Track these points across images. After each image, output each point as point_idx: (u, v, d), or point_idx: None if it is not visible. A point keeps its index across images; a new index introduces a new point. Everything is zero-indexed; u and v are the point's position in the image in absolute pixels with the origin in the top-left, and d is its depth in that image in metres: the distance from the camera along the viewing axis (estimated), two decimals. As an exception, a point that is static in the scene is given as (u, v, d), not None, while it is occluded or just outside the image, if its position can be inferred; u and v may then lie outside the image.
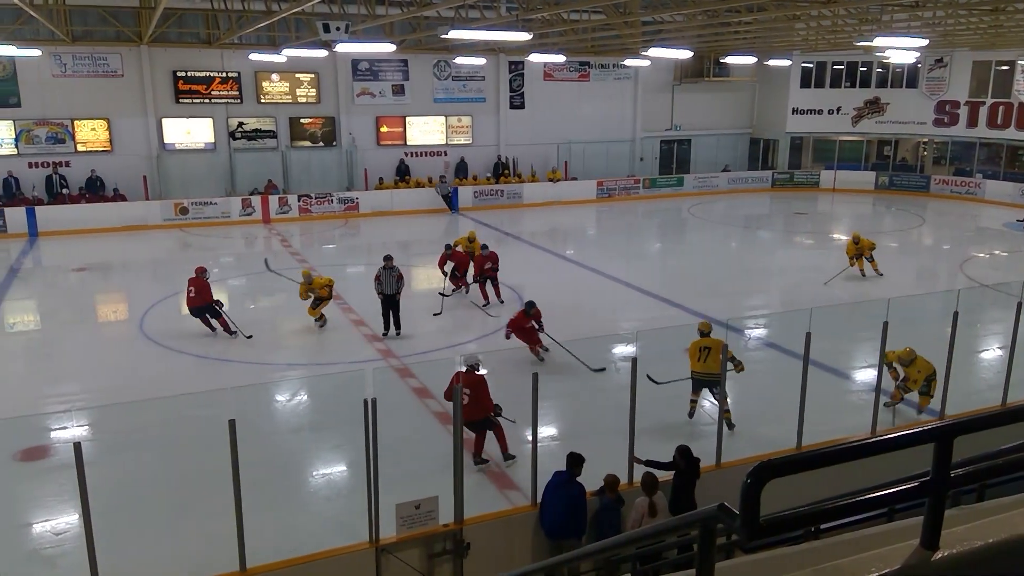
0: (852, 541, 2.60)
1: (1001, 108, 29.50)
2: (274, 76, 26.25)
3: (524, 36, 16.92)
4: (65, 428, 10.24)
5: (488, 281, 15.56)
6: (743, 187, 32.94)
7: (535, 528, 7.15)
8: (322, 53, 23.02)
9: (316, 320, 13.86)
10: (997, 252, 21.75)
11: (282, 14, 17.43)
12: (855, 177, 32.72)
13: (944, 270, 20.45)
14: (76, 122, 24.28)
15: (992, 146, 30.34)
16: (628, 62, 29.62)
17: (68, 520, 7.92)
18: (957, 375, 9.04)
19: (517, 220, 26.61)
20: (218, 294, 14.75)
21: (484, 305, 15.39)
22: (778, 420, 8.76)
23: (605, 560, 6.70)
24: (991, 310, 15.80)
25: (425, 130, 28.90)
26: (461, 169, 29.29)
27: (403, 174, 28.32)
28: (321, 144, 27.40)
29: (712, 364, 9.39)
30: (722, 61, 30.97)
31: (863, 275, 17.40)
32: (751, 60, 28.88)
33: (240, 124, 26.18)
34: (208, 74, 25.39)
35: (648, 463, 7.35)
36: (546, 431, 9.73)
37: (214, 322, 13.46)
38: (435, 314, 14.87)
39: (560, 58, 26.72)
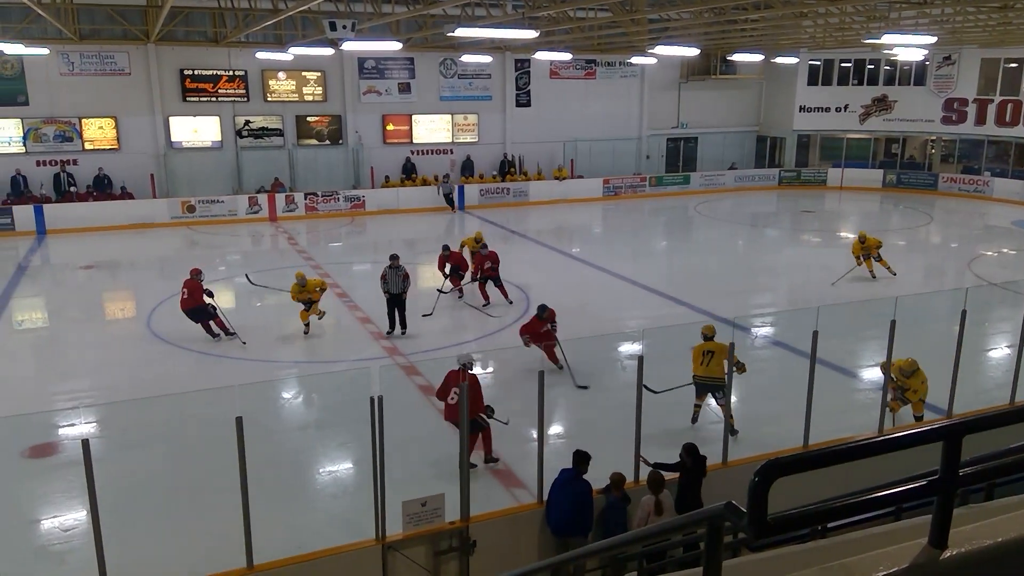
0: (859, 540, 2.60)
1: (1010, 106, 29.35)
2: (280, 74, 26.29)
3: (530, 34, 16.93)
4: (73, 425, 10.29)
5: (489, 281, 15.29)
6: (750, 185, 32.86)
7: (541, 526, 7.15)
8: (328, 51, 23.06)
9: (304, 324, 13.57)
10: (1005, 250, 21.65)
11: (288, 12, 17.45)
12: (862, 175, 32.60)
13: (952, 268, 20.37)
14: (84, 120, 24.36)
15: (1000, 144, 30.18)
16: (634, 60, 29.55)
17: (76, 516, 7.96)
18: (965, 374, 9.00)
19: (523, 218, 26.61)
20: (225, 292, 14.83)
21: (484, 305, 15.22)
22: (784, 419, 8.75)
23: (611, 558, 6.70)
24: (999, 308, 15.74)
25: (431, 128, 28.91)
26: (467, 167, 29.30)
27: (409, 172, 28.35)
28: (327, 142, 27.43)
29: (715, 368, 9.35)
30: (729, 59, 30.94)
31: (873, 277, 17.01)
32: (758, 58, 28.84)
33: (247, 122, 26.24)
34: (215, 72, 25.44)
35: (656, 465, 7.33)
36: (552, 429, 9.73)
37: (213, 325, 13.29)
38: (425, 315, 14.49)
39: (566, 56, 26.69)
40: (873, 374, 11.39)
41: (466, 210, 27.52)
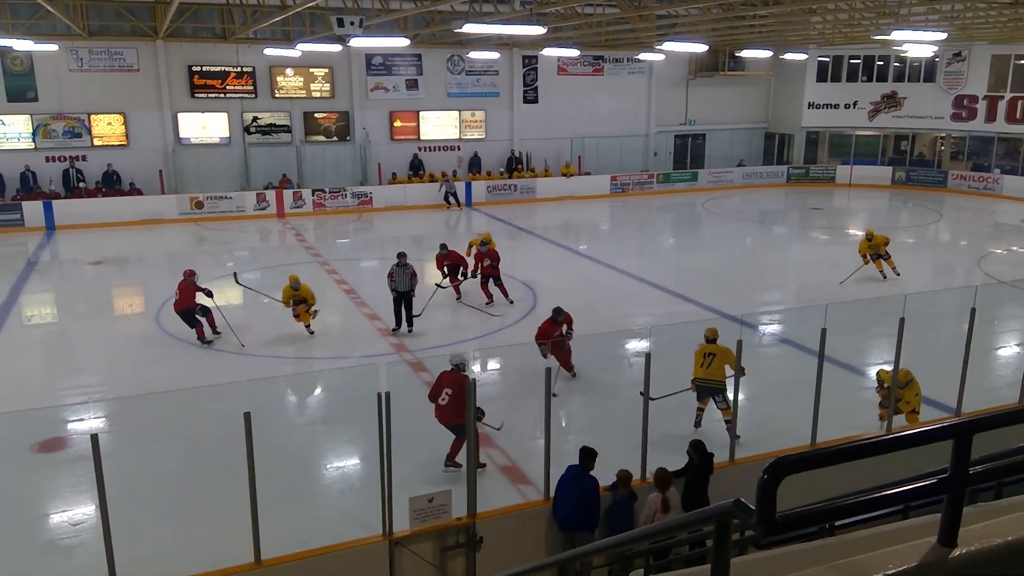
0: (867, 538, 2.59)
1: (1020, 102, 29.16)
2: (288, 71, 26.32)
3: (538, 30, 16.88)
4: (82, 420, 10.35)
5: (490, 280, 15.16)
6: (758, 182, 32.76)
7: (548, 522, 7.15)
8: (336, 47, 23.03)
9: (306, 326, 13.42)
10: (1015, 248, 21.52)
11: (296, 8, 17.47)
12: (871, 172, 32.46)
13: (961, 266, 20.27)
14: (92, 116, 24.46)
15: (1011, 141, 29.99)
16: (642, 56, 29.48)
17: (85, 511, 8.01)
18: (974, 372, 8.96)
19: (530, 215, 26.60)
20: (233, 288, 14.86)
21: (486, 304, 15.13)
22: (791, 416, 8.72)
23: (618, 555, 6.70)
24: (1009, 306, 15.68)
25: (439, 124, 28.91)
26: (474, 164, 29.29)
27: (417, 169, 28.35)
28: (335, 139, 27.47)
29: (715, 371, 9.32)
30: (737, 55, 30.80)
31: (884, 277, 16.82)
32: (767, 54, 28.71)
33: (255, 119, 26.29)
34: (223, 69, 25.50)
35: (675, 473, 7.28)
36: (558, 426, 9.73)
37: (205, 326, 13.10)
38: (415, 316, 14.05)
39: (574, 52, 26.63)
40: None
41: (473, 206, 27.52)
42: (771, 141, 34.64)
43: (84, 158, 24.50)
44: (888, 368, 9.27)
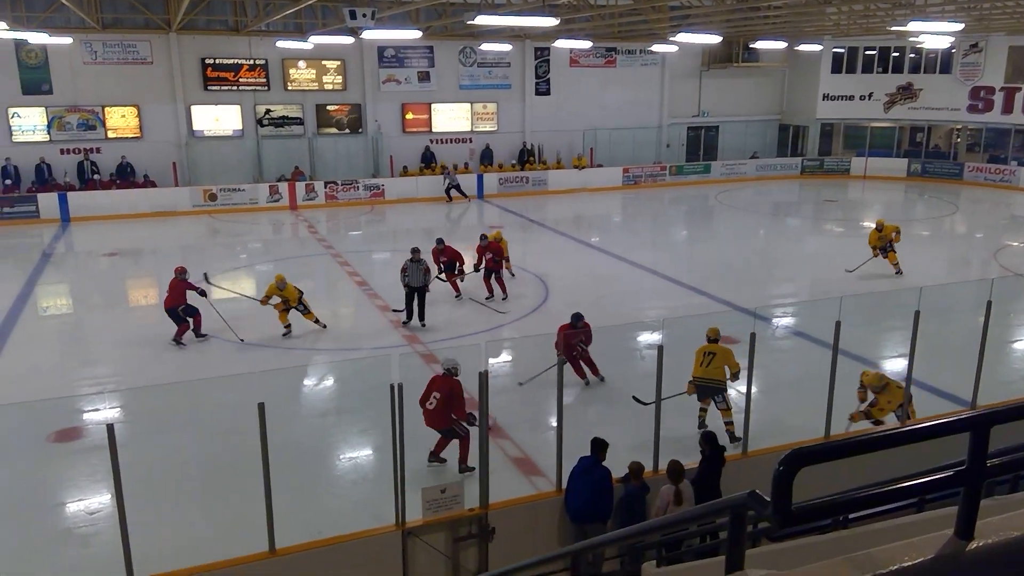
0: (882, 530, 2.58)
1: (1038, 94, 28.86)
2: (301, 63, 26.35)
3: (550, 21, 16.84)
4: (98, 410, 10.45)
5: (492, 274, 15.06)
6: (771, 174, 32.56)
7: (560, 513, 7.17)
8: (348, 40, 23.07)
9: (314, 321, 13.35)
10: (1032, 241, 21.33)
11: (309, 1, 17.47)
12: (887, 164, 32.19)
13: (977, 259, 20.12)
14: (106, 109, 24.58)
15: (1028, 133, 29.70)
16: (655, 48, 29.30)
17: (101, 500, 8.08)
18: (990, 365, 8.90)
19: (542, 207, 26.56)
20: (246, 279, 14.93)
21: (487, 298, 15.02)
22: (804, 410, 8.69)
23: (630, 547, 6.70)
24: (1025, 300, 15.52)
25: (451, 117, 28.88)
26: (486, 156, 29.26)
27: (428, 161, 28.35)
28: (347, 131, 27.49)
29: (715, 371, 9.28)
30: (751, 46, 30.57)
31: (900, 273, 16.53)
32: (781, 45, 28.48)
33: (267, 111, 26.35)
34: (236, 61, 25.55)
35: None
36: (570, 417, 9.72)
37: (192, 324, 12.87)
38: (395, 310, 14.06)
39: (586, 44, 26.54)
40: (897, 365, 11.27)
41: (485, 199, 27.50)
42: (785, 133, 34.40)
43: (98, 150, 24.64)
44: (869, 372, 9.24)
